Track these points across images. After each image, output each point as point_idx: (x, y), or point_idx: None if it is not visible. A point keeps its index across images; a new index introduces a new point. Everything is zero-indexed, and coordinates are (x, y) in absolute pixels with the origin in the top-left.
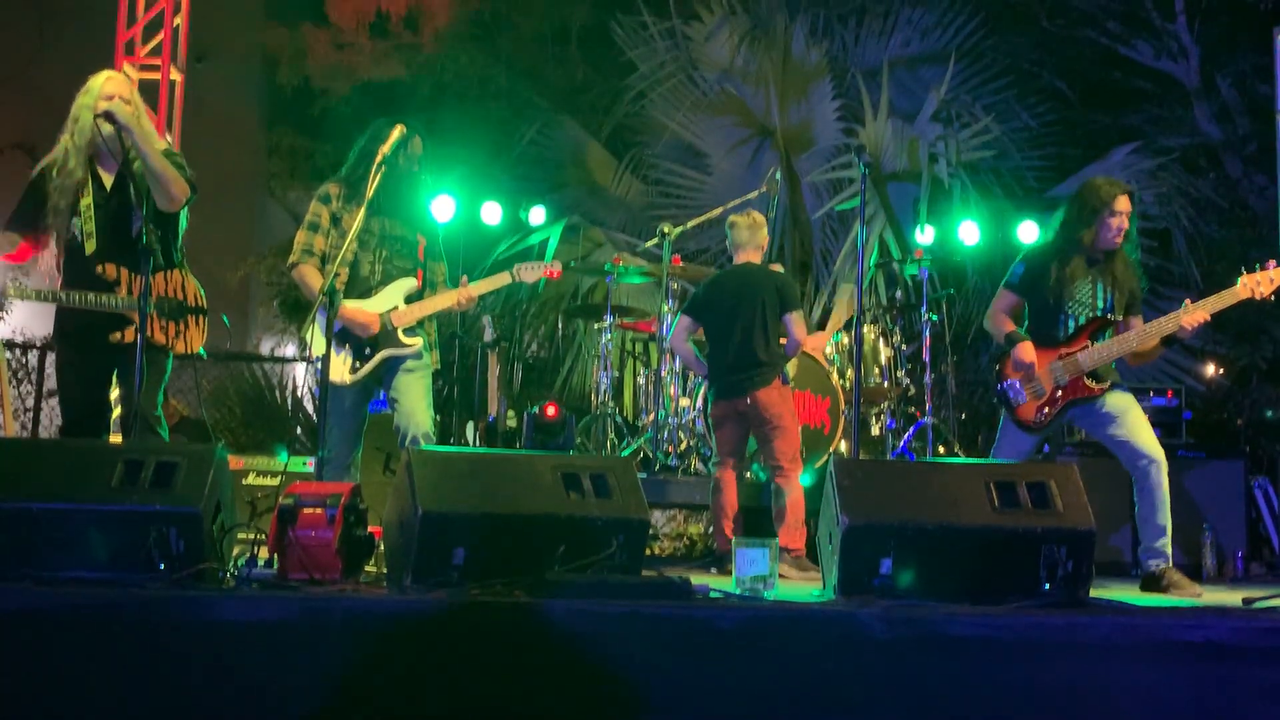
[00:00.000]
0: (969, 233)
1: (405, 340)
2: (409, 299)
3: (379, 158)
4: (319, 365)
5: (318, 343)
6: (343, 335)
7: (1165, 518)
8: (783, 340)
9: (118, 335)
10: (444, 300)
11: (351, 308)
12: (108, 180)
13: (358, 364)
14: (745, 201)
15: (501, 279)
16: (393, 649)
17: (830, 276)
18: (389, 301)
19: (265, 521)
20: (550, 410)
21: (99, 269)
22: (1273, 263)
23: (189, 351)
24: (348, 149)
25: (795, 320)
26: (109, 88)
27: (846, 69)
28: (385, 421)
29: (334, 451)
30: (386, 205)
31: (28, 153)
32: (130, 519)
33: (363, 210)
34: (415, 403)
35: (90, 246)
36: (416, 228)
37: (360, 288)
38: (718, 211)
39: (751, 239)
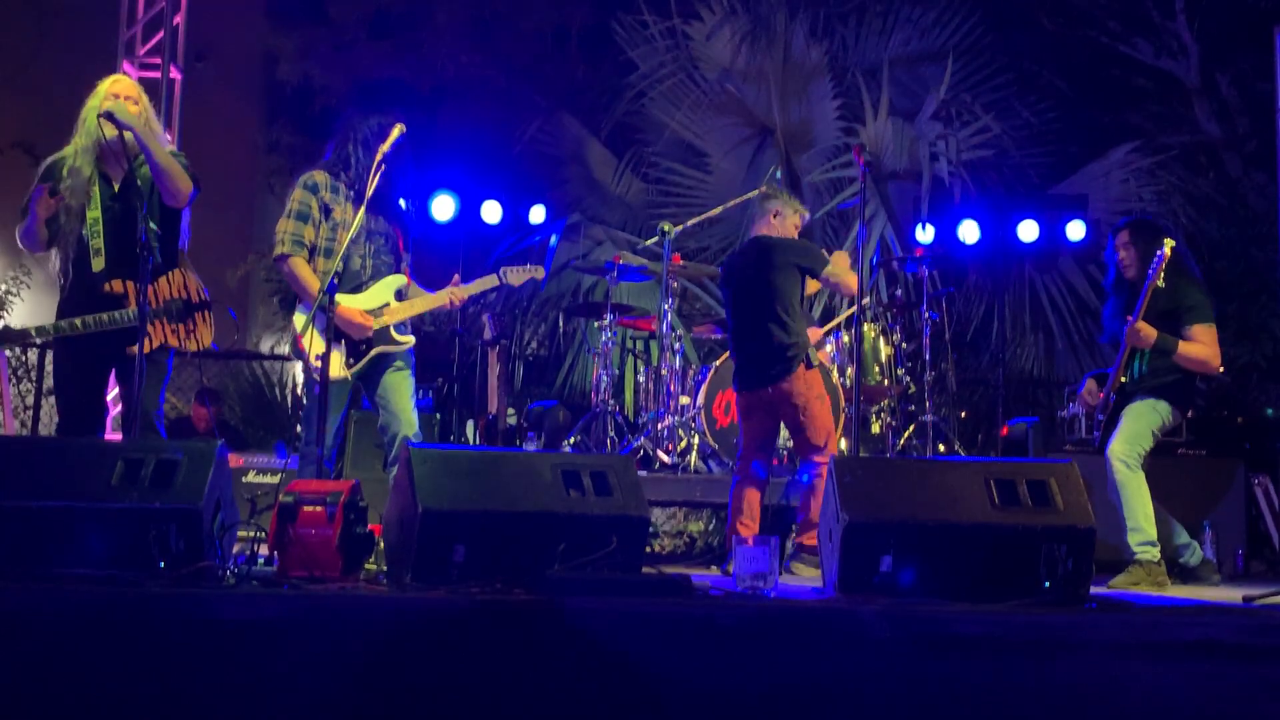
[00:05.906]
0: (969, 231)
1: (398, 338)
2: (399, 296)
3: (379, 156)
4: (315, 364)
5: (317, 343)
6: (337, 331)
7: None
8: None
9: (134, 349)
10: (434, 299)
11: (346, 306)
12: (116, 181)
13: (352, 360)
14: (745, 200)
15: (489, 281)
16: (393, 647)
17: None
18: (380, 298)
19: (265, 519)
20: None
21: (107, 286)
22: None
23: (201, 348)
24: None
25: (833, 275)
26: (114, 88)
27: (846, 68)
28: None
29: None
30: (376, 201)
31: (27, 152)
32: (130, 517)
33: (363, 208)
34: (403, 402)
35: (99, 264)
36: (395, 219)
37: (351, 282)
38: (718, 210)
39: (760, 208)
